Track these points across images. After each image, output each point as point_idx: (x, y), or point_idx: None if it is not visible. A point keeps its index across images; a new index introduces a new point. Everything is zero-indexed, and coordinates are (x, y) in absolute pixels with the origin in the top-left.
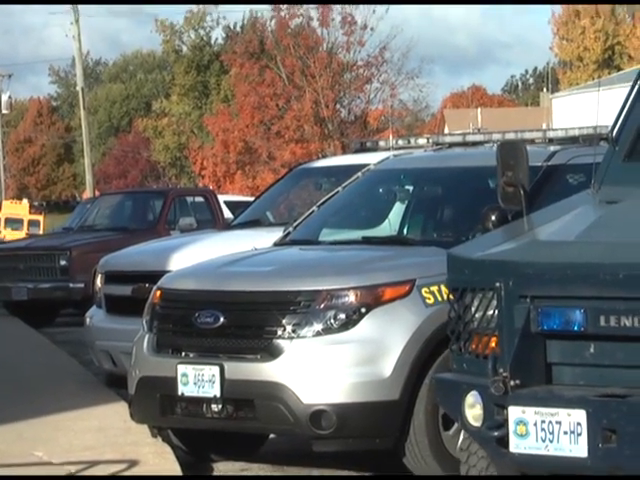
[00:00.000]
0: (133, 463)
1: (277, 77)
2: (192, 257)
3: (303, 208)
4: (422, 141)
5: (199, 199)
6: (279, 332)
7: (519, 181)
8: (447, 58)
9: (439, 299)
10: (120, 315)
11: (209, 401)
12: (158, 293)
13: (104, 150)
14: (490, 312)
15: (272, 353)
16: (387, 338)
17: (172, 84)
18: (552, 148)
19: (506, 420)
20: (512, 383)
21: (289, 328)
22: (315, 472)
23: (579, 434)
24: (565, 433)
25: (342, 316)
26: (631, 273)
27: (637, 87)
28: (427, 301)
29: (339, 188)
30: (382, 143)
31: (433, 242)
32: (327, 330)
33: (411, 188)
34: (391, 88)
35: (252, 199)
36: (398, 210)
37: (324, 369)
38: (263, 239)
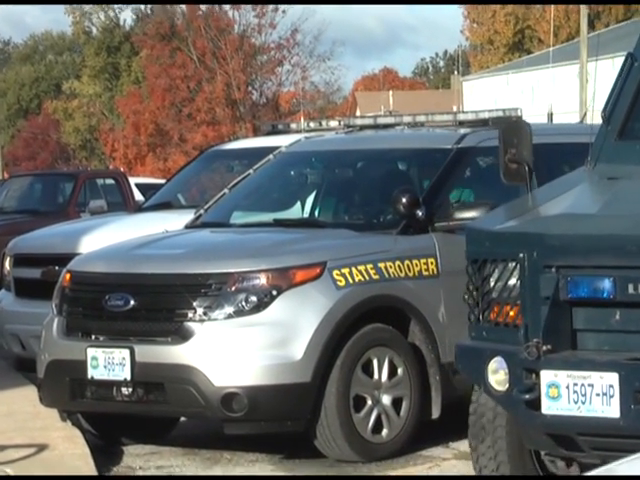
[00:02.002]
0: (42, 447)
1: (188, 59)
2: (102, 240)
3: (214, 191)
4: (333, 123)
5: (110, 181)
6: (190, 315)
7: (523, 158)
8: (357, 41)
9: (350, 281)
10: (29, 298)
11: (119, 384)
12: (68, 276)
13: (13, 132)
14: (512, 282)
15: (183, 336)
16: (298, 321)
17: (82, 66)
18: (462, 131)
19: (537, 384)
20: (544, 348)
21: (200, 311)
22: (226, 455)
23: (611, 396)
24: (597, 395)
25: (253, 299)
26: None
27: (630, 70)
28: (338, 283)
29: (250, 170)
30: (294, 125)
31: (344, 225)
32: (238, 313)
33: (322, 170)
34: (303, 71)
35: (163, 181)
36: (309, 193)
37: (235, 352)
38: (174, 222)
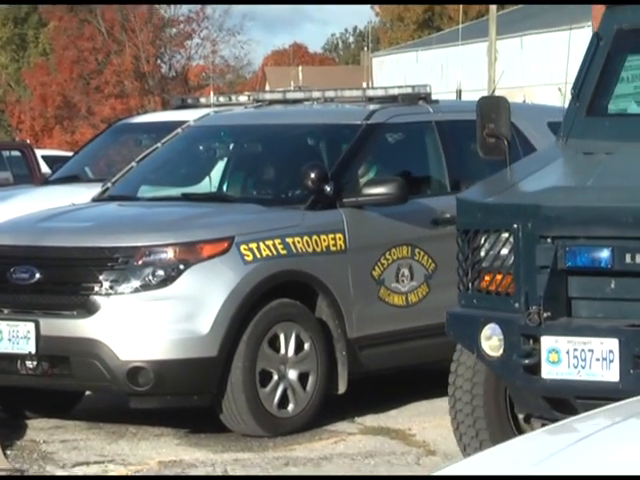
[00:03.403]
0: None
1: (97, 31)
2: (8, 212)
3: (122, 164)
4: (243, 98)
5: (15, 153)
6: (96, 288)
7: (501, 133)
8: (267, 16)
9: (258, 256)
10: None
11: (24, 358)
12: None
13: None
14: (504, 251)
15: (89, 309)
16: (205, 295)
17: None
18: (372, 107)
19: (535, 349)
20: (545, 315)
21: (106, 284)
22: (131, 429)
23: (611, 361)
24: (597, 360)
25: (160, 273)
26: None
27: (596, 50)
28: (246, 258)
29: (159, 144)
30: (203, 100)
31: (253, 199)
32: (145, 287)
33: (231, 145)
34: (212, 44)
35: (71, 154)
36: (218, 167)
37: (142, 326)
38: (81, 195)
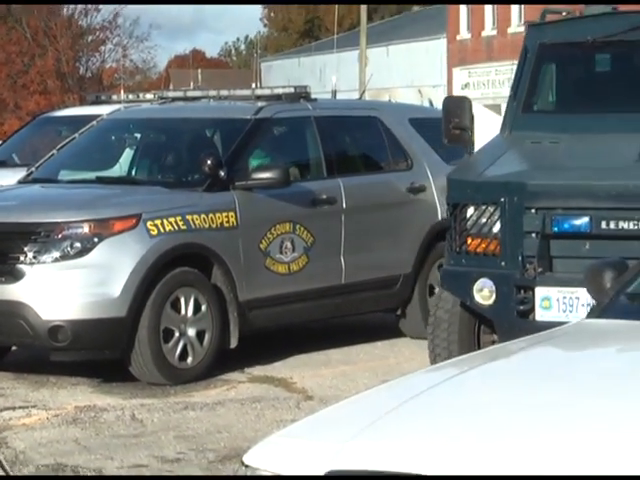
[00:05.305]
0: None
1: (23, 37)
2: None
3: (45, 151)
4: (149, 96)
5: None
6: (22, 258)
7: (465, 125)
8: (170, 25)
9: (162, 231)
10: None
11: None
12: None
13: None
14: (492, 220)
15: (15, 276)
16: (116, 264)
17: None
18: (259, 104)
19: (527, 297)
20: (539, 270)
21: (30, 255)
22: (52, 379)
23: None
24: (582, 305)
25: (77, 245)
26: (624, 190)
27: (525, 60)
28: (151, 233)
29: (76, 134)
30: (115, 97)
31: (157, 182)
32: (64, 257)
33: (139, 135)
34: (123, 49)
35: (0, 143)
36: (128, 154)
37: (61, 290)
38: (9, 178)
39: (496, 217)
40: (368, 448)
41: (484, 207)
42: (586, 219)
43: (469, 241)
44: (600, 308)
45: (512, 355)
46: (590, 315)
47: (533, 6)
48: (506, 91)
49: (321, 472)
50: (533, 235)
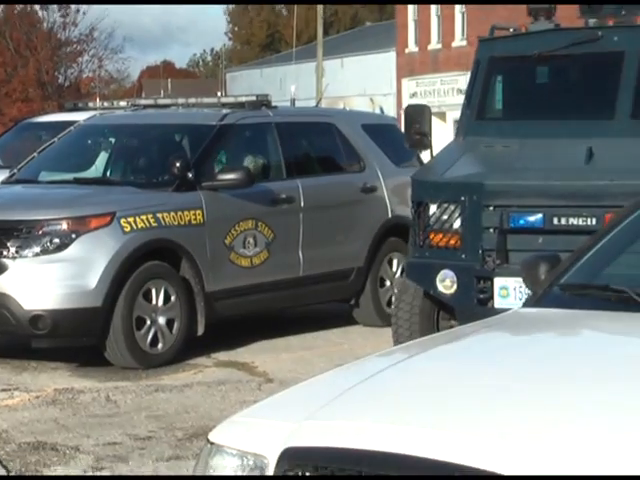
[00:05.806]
0: None
1: (6, 48)
2: None
3: (27, 154)
4: (123, 103)
5: None
6: (5, 253)
7: (424, 132)
8: (142, 38)
9: (135, 228)
10: None
11: None
12: None
13: None
14: (453, 217)
15: None
16: (92, 258)
17: None
18: (224, 111)
19: (486, 287)
20: (497, 262)
21: (13, 250)
22: (33, 364)
23: None
24: None
25: (56, 240)
26: (574, 190)
27: (477, 72)
28: (125, 229)
29: (55, 139)
30: (91, 104)
31: (130, 183)
32: (44, 251)
33: (113, 140)
34: (99, 60)
35: None
36: (103, 157)
37: (41, 282)
38: None
39: (457, 214)
40: (323, 426)
41: (446, 205)
42: (539, 216)
43: (432, 236)
44: (535, 298)
45: (454, 341)
46: (526, 304)
47: (475, 22)
48: (450, 100)
49: (280, 448)
50: (491, 230)
